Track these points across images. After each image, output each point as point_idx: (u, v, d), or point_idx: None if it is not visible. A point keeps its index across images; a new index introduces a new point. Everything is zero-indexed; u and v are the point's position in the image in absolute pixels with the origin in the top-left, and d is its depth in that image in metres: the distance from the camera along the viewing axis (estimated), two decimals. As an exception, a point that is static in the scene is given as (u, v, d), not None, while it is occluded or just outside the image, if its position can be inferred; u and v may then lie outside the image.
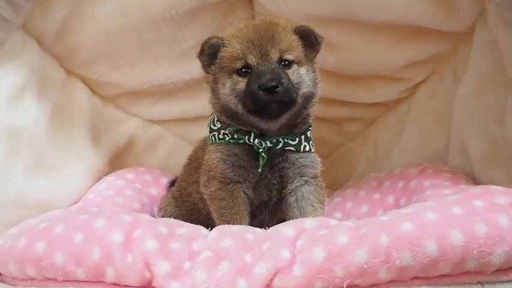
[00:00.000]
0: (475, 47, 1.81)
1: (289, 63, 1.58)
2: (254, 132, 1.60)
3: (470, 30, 1.85)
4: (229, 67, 1.58)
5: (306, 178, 1.67)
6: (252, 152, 1.61)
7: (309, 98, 1.63)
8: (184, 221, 1.81)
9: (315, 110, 1.70)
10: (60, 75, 2.09)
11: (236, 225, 1.51)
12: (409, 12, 1.87)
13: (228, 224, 1.58)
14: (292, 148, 1.63)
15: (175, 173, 2.23)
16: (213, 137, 1.68)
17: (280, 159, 1.63)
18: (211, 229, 1.46)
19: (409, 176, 1.92)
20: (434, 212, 1.31)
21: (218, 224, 1.60)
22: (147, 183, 2.23)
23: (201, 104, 2.22)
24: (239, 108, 1.58)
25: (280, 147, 1.62)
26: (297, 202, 1.66)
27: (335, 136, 2.58)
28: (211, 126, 1.70)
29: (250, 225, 1.64)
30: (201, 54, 1.63)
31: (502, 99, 1.66)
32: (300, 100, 1.59)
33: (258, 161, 1.59)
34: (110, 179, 2.14)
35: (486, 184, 1.65)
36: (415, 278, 1.27)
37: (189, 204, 1.87)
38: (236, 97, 1.57)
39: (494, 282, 1.28)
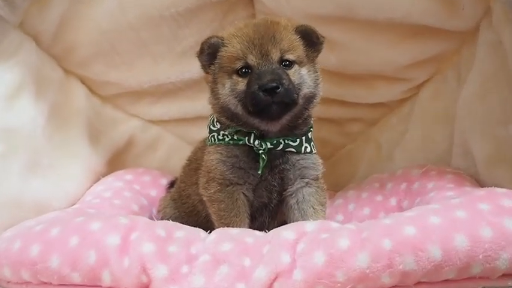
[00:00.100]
0: (480, 46, 1.79)
1: (290, 64, 1.55)
2: (254, 133, 1.58)
3: (474, 29, 1.83)
4: (229, 67, 1.55)
5: (307, 180, 1.64)
6: (252, 153, 1.59)
7: (310, 98, 1.60)
8: (183, 223, 1.79)
9: (316, 110, 1.68)
10: (57, 75, 2.07)
11: (235, 228, 1.49)
12: (411, 11, 1.85)
13: (227, 226, 1.56)
14: (293, 149, 1.61)
15: (174, 174, 2.20)
16: (212, 138, 1.65)
17: (281, 161, 1.61)
18: (210, 232, 1.44)
19: (412, 178, 1.90)
20: (438, 215, 1.28)
21: (217, 227, 1.58)
22: (146, 184, 2.20)
23: (201, 104, 2.19)
24: (239, 109, 1.55)
25: (281, 149, 1.59)
26: (297, 204, 1.64)
27: (336, 137, 2.55)
28: (211, 127, 1.68)
29: (250, 227, 1.62)
30: (201, 53, 1.61)
31: (507, 100, 1.63)
32: (301, 101, 1.56)
33: (258, 162, 1.57)
34: (108, 180, 2.11)
35: (491, 186, 1.63)
36: (419, 283, 1.24)
37: (188, 206, 1.85)
38: (236, 98, 1.54)
39: (500, 288, 1.26)
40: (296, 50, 1.56)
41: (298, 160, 1.62)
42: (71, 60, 2.11)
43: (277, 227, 1.64)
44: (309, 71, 1.59)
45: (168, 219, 1.82)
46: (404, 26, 1.92)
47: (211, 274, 1.23)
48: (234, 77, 1.55)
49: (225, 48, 1.56)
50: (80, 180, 2.02)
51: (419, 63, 2.05)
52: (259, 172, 1.57)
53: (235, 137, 1.60)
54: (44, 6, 1.89)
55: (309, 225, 1.38)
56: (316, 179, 1.66)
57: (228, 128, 1.61)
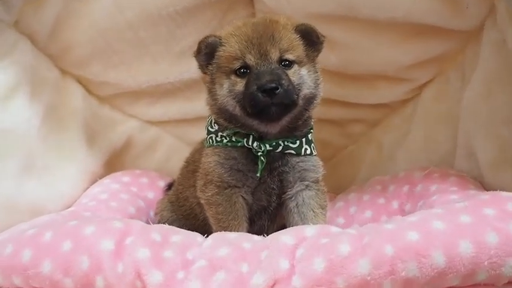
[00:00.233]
0: (484, 46, 1.76)
1: (289, 64, 1.52)
2: (253, 135, 1.55)
3: (478, 28, 1.80)
4: (227, 67, 1.52)
5: (307, 183, 1.61)
6: (250, 155, 1.56)
7: (310, 99, 1.57)
8: (181, 226, 1.78)
9: (317, 111, 1.65)
10: (54, 75, 2.05)
11: (233, 233, 1.46)
12: (413, 10, 1.82)
13: (225, 230, 1.53)
14: (293, 151, 1.58)
15: (173, 176, 2.17)
16: (210, 140, 1.62)
17: (280, 163, 1.57)
18: (207, 236, 1.41)
19: (415, 180, 1.87)
20: (442, 220, 1.25)
21: (215, 230, 1.55)
22: (143, 186, 2.18)
23: (201, 104, 2.13)
24: (237, 111, 1.52)
25: (280, 151, 1.56)
26: (297, 208, 1.61)
27: (338, 138, 2.53)
28: (209, 128, 1.65)
29: (249, 231, 1.59)
30: (198, 53, 1.58)
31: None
32: (301, 102, 1.53)
33: (257, 164, 1.54)
34: (105, 182, 2.09)
35: (495, 188, 1.60)
36: (422, 290, 1.20)
37: (185, 209, 1.82)
38: (234, 99, 1.51)
39: (506, 295, 1.22)
40: (296, 49, 1.52)
41: (298, 162, 1.59)
42: (67, 60, 2.09)
43: (276, 230, 1.61)
44: (309, 71, 1.56)
45: (165, 223, 1.82)
46: (406, 25, 1.90)
47: (207, 280, 1.20)
48: (232, 77, 1.52)
49: (223, 47, 1.53)
50: (76, 182, 2.00)
51: (422, 63, 2.02)
52: (258, 175, 1.54)
53: (233, 139, 1.56)
54: (39, 4, 1.87)
55: (308, 230, 1.34)
56: (317, 181, 1.63)
57: (226, 129, 1.58)
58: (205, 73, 1.61)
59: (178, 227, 1.76)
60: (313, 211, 1.60)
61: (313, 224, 1.54)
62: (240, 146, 1.56)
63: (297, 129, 1.59)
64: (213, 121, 1.62)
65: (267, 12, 2.07)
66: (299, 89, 1.51)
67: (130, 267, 1.22)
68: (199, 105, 2.24)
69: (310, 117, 1.63)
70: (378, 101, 2.26)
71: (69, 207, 1.90)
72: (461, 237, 1.19)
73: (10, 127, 1.74)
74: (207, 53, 1.56)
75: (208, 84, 1.60)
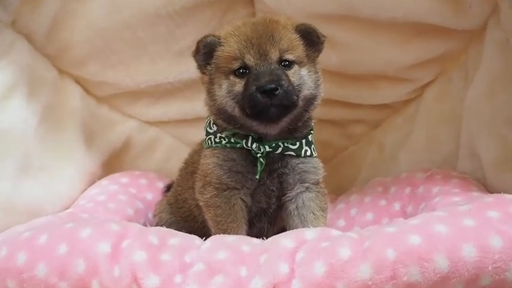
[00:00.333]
0: (487, 46, 1.74)
1: (289, 64, 1.49)
2: (252, 136, 1.52)
3: (481, 28, 1.78)
4: (226, 67, 1.50)
5: (307, 184, 1.59)
6: (249, 156, 1.53)
7: (310, 100, 1.55)
8: (180, 228, 1.77)
9: (317, 111, 1.63)
10: (51, 75, 2.03)
11: (232, 236, 1.44)
12: (415, 9, 1.80)
13: (224, 232, 1.51)
14: (293, 153, 1.55)
15: (172, 177, 2.15)
16: (209, 141, 1.60)
17: (280, 165, 1.55)
18: (206, 239, 1.39)
19: (417, 182, 1.85)
20: (445, 223, 1.22)
21: (214, 233, 1.53)
22: (142, 187, 2.16)
23: (201, 105, 2.11)
24: (236, 112, 1.50)
25: (280, 152, 1.54)
26: (297, 210, 1.58)
27: (338, 139, 2.50)
28: (208, 129, 1.63)
29: (248, 233, 1.57)
30: (197, 53, 1.56)
31: (515, 100, 1.59)
32: (301, 103, 1.51)
33: (256, 166, 1.51)
34: (103, 183, 2.07)
35: (498, 190, 1.59)
36: (424, 295, 1.18)
37: (184, 211, 1.80)
38: (233, 99, 1.49)
39: (510, 301, 1.19)
40: (296, 49, 1.50)
41: (298, 164, 1.57)
42: (65, 59, 2.07)
43: (276, 233, 1.60)
44: (309, 72, 1.54)
45: (163, 225, 1.80)
46: (408, 25, 1.88)
47: (205, 284, 1.18)
48: (231, 77, 1.50)
49: (222, 47, 1.50)
50: (74, 183, 1.99)
51: (424, 63, 2.00)
52: (257, 176, 1.52)
53: (232, 140, 1.54)
54: (36, 4, 1.86)
55: (308, 233, 1.32)
56: (317, 183, 1.61)
57: (225, 130, 1.56)
58: (203, 73, 1.59)
59: (176, 229, 1.75)
60: (314, 213, 1.57)
61: (314, 226, 1.52)
62: (239, 148, 1.54)
63: (297, 131, 1.57)
64: (212, 122, 1.60)
65: (267, 12, 2.05)
66: (299, 90, 1.49)
67: (126, 271, 1.21)
68: (199, 105, 2.20)
69: (310, 118, 1.61)
70: (380, 101, 2.24)
71: (67, 208, 1.88)
72: (464, 240, 1.17)
73: (7, 127, 1.73)
74: (205, 52, 1.54)
75: (206, 85, 1.58)
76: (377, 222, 1.83)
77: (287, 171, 1.56)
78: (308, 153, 1.58)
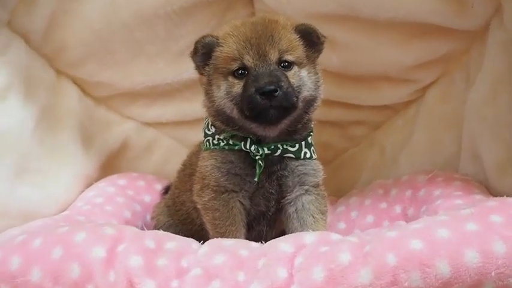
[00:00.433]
0: (490, 46, 1.73)
1: (289, 65, 1.47)
2: (251, 138, 1.50)
3: (484, 28, 1.77)
4: (225, 68, 1.48)
5: (306, 187, 1.56)
6: (248, 159, 1.51)
7: (310, 102, 1.52)
8: (178, 231, 1.76)
9: (318, 112, 1.61)
10: (48, 75, 2.02)
11: (230, 239, 1.41)
12: (416, 9, 1.79)
13: (222, 236, 1.49)
14: (292, 155, 1.53)
15: (171, 179, 2.14)
16: (207, 143, 1.58)
17: (279, 167, 1.53)
18: (203, 242, 1.37)
19: (418, 184, 1.83)
20: (447, 227, 1.20)
21: (212, 236, 1.51)
22: (140, 189, 2.14)
23: (199, 106, 2.09)
24: (235, 113, 1.48)
25: (279, 154, 1.52)
26: (296, 213, 1.56)
27: (339, 140, 2.48)
28: (206, 130, 1.61)
29: (247, 237, 1.56)
30: (195, 54, 1.53)
31: (519, 102, 1.57)
32: (300, 105, 1.49)
33: (255, 168, 1.49)
34: (100, 185, 2.05)
35: (501, 193, 1.57)
36: (425, 301, 1.16)
37: (182, 214, 1.78)
38: (232, 101, 1.46)
39: (513, 308, 1.17)
40: (295, 50, 1.48)
41: (298, 166, 1.55)
42: (62, 60, 2.06)
43: (275, 236, 1.58)
44: (309, 73, 1.51)
45: (161, 227, 1.79)
46: (409, 25, 1.87)
47: (202, 290, 1.16)
48: (230, 78, 1.48)
49: (220, 48, 1.48)
50: (70, 185, 1.97)
51: (426, 64, 1.98)
52: (256, 179, 1.50)
53: (230, 142, 1.52)
54: (33, 3, 1.85)
55: (308, 237, 1.30)
56: (317, 186, 1.59)
57: (224, 132, 1.54)
58: (202, 74, 1.57)
59: (174, 232, 1.74)
60: (313, 216, 1.55)
61: (313, 230, 1.51)
62: (237, 150, 1.52)
63: (297, 133, 1.55)
64: (210, 123, 1.59)
65: (267, 12, 2.03)
66: (299, 91, 1.47)
67: (122, 276, 1.19)
68: (197, 106, 2.17)
69: (310, 120, 1.59)
70: (380, 102, 2.23)
71: (64, 211, 1.86)
72: (467, 246, 1.15)
73: (3, 128, 1.71)
74: (204, 53, 1.52)
75: (205, 86, 1.56)
76: (377, 225, 1.82)
77: (286, 174, 1.54)
78: (308, 155, 1.56)
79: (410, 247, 1.15)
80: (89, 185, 2.06)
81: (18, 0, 1.81)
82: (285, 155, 1.52)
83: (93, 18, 1.98)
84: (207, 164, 1.54)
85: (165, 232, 1.43)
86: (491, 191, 1.66)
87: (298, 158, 1.54)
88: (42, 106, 1.91)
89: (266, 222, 1.62)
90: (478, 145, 1.74)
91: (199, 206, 1.57)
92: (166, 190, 2.07)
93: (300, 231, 1.53)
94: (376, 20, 1.85)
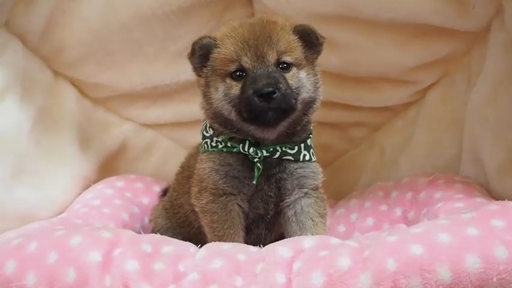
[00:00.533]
0: (491, 47, 1.71)
1: (287, 66, 1.45)
2: (249, 141, 1.49)
3: (485, 29, 1.75)
4: (222, 70, 1.46)
5: (305, 190, 1.55)
6: (246, 161, 1.50)
7: (309, 104, 1.51)
8: (176, 234, 1.75)
9: (317, 114, 1.59)
10: (46, 76, 2.00)
11: (227, 243, 1.40)
12: (417, 10, 1.78)
13: (220, 239, 1.48)
14: (291, 157, 1.51)
15: (169, 181, 2.12)
16: (205, 145, 1.57)
17: (278, 170, 1.51)
18: (201, 246, 1.35)
19: (419, 187, 1.81)
20: (448, 232, 1.18)
21: (210, 239, 1.50)
22: (138, 191, 2.12)
23: (198, 107, 2.11)
24: (233, 115, 1.46)
25: (278, 157, 1.50)
26: (295, 216, 1.55)
27: (339, 142, 2.47)
28: (204, 133, 1.59)
29: (245, 240, 1.54)
30: (192, 55, 1.52)
31: (520, 104, 1.55)
32: (299, 106, 1.47)
33: (253, 171, 1.48)
34: (98, 187, 2.03)
35: (502, 196, 1.56)
36: (426, 307, 1.14)
37: (180, 216, 1.76)
38: (229, 103, 1.45)
39: (515, 314, 1.16)
40: (294, 51, 1.46)
41: (296, 169, 1.53)
42: (60, 60, 2.04)
43: (274, 239, 1.57)
44: (308, 74, 1.50)
45: (159, 230, 1.78)
46: (410, 26, 1.85)
47: (199, 295, 1.15)
48: (228, 80, 1.46)
49: (218, 49, 1.47)
50: (68, 187, 1.95)
51: (427, 65, 1.97)
52: (255, 182, 1.48)
53: (229, 144, 1.51)
54: (30, 4, 1.83)
55: (306, 241, 1.29)
56: (316, 188, 1.57)
57: (222, 134, 1.52)
58: (199, 76, 1.55)
59: (172, 234, 1.73)
60: (312, 220, 1.54)
61: (312, 233, 1.49)
62: (235, 152, 1.50)
63: (296, 135, 1.53)
64: (208, 126, 1.57)
65: (266, 12, 2.01)
66: (297, 93, 1.45)
67: (118, 281, 1.17)
68: (196, 107, 2.15)
69: (309, 122, 1.57)
70: (381, 104, 2.21)
71: (61, 213, 1.85)
72: (468, 251, 1.13)
73: (-1, 130, 1.70)
74: (201, 54, 1.51)
75: (202, 88, 1.54)
76: (378, 228, 1.80)
77: (285, 177, 1.52)
78: (307, 157, 1.55)
79: (411, 252, 1.14)
80: (86, 186, 2.04)
81: (16, 1, 1.79)
82: (284, 158, 1.51)
83: (92, 18, 1.97)
84: (205, 166, 1.52)
85: (162, 236, 1.41)
86: (493, 194, 1.65)
87: (297, 160, 1.52)
88: (39, 107, 1.89)
89: (265, 226, 1.60)
90: (479, 147, 1.72)
91: (197, 209, 1.55)
92: (165, 192, 2.05)
93: (299, 234, 1.51)
94: (377, 21, 1.84)
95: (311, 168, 1.56)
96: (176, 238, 1.64)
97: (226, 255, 1.26)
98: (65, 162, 1.97)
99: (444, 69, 2.00)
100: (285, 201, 1.55)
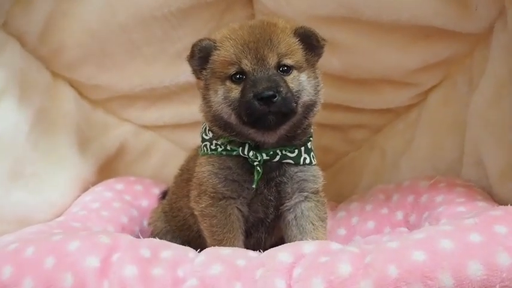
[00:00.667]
0: (493, 49, 1.70)
1: (288, 69, 1.43)
2: (249, 144, 1.47)
3: (487, 31, 1.74)
4: (222, 73, 1.44)
5: (305, 194, 1.53)
6: (246, 165, 1.48)
7: (310, 107, 1.49)
8: (175, 237, 1.73)
9: (318, 116, 1.57)
10: (44, 78, 1.99)
11: (227, 248, 1.38)
12: (420, 12, 1.76)
13: (220, 243, 1.46)
14: (291, 161, 1.50)
15: (169, 183, 2.10)
16: (205, 148, 1.55)
17: (278, 173, 1.50)
18: (200, 250, 1.34)
19: (420, 190, 1.80)
20: (450, 238, 1.17)
21: (209, 243, 1.48)
22: (137, 194, 2.11)
23: (197, 108, 2.09)
24: (232, 119, 1.44)
25: (278, 160, 1.48)
26: (296, 220, 1.53)
27: (339, 144, 2.45)
28: (203, 135, 1.57)
29: (245, 244, 1.53)
30: (191, 58, 1.50)
31: (523, 106, 1.54)
32: (300, 110, 1.45)
33: (253, 174, 1.46)
34: (97, 190, 2.02)
35: (504, 199, 1.55)
36: (428, 314, 1.12)
37: (179, 220, 1.74)
38: (229, 106, 1.43)
39: (518, 322, 1.14)
40: (295, 54, 1.44)
41: (297, 172, 1.51)
42: (58, 62, 2.03)
43: (274, 243, 1.56)
44: (308, 77, 1.48)
45: (158, 234, 1.77)
46: (412, 28, 1.83)
47: (198, 301, 1.14)
48: (227, 83, 1.44)
49: (218, 52, 1.45)
50: (66, 189, 1.94)
51: (428, 67, 1.95)
52: (254, 185, 1.46)
53: (228, 147, 1.49)
54: (28, 5, 1.82)
55: (307, 247, 1.27)
56: (316, 192, 1.55)
57: (221, 137, 1.50)
58: (199, 78, 1.54)
59: (172, 238, 1.72)
60: (313, 224, 1.52)
61: (313, 237, 1.48)
62: (235, 155, 1.48)
63: (296, 138, 1.51)
64: (208, 128, 1.55)
65: (266, 14, 2.00)
66: (298, 97, 1.43)
67: (116, 286, 1.16)
68: (195, 109, 2.13)
69: (309, 125, 1.55)
70: (382, 106, 2.19)
71: (59, 216, 1.83)
72: (470, 257, 1.12)
73: (-3, 132, 1.69)
74: (201, 57, 1.49)
75: (202, 90, 1.53)
76: (379, 232, 1.79)
77: (285, 180, 1.51)
78: (307, 161, 1.53)
79: (413, 258, 1.13)
80: (85, 189, 2.02)
81: (14, 2, 1.78)
82: (284, 161, 1.49)
83: (90, 20, 1.95)
84: (204, 170, 1.51)
85: (161, 240, 1.40)
86: (495, 198, 1.64)
87: (297, 163, 1.51)
88: (37, 109, 1.88)
89: (265, 229, 1.58)
90: (481, 150, 1.71)
91: (196, 213, 1.54)
92: (164, 195, 2.04)
93: (299, 238, 1.50)
94: (379, 23, 1.82)
95: (311, 172, 1.54)
96: (175, 241, 1.64)
97: (226, 261, 1.25)
98: (64, 165, 1.96)
99: (446, 71, 1.98)
100: (285, 204, 1.53)
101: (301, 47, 1.47)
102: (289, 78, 1.43)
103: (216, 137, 1.52)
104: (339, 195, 2.24)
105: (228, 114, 1.44)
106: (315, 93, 1.49)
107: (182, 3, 2.00)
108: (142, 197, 2.12)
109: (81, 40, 1.99)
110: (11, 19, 1.81)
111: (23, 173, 1.76)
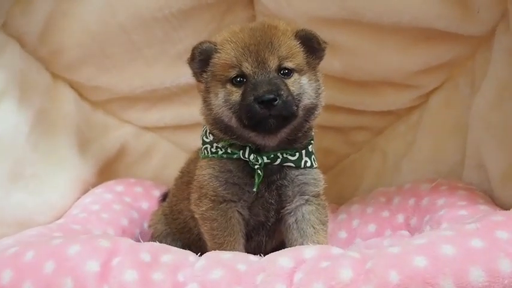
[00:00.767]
0: (495, 52, 1.69)
1: (289, 72, 1.43)
2: (250, 147, 1.46)
3: (490, 34, 1.74)
4: (223, 75, 1.43)
5: (306, 197, 1.52)
6: (247, 168, 1.47)
7: (310, 110, 1.48)
8: (175, 240, 1.73)
9: (319, 118, 1.56)
10: (44, 79, 1.98)
11: (227, 252, 1.37)
12: (421, 14, 1.75)
13: (221, 246, 1.46)
14: (292, 164, 1.49)
15: (169, 185, 2.09)
16: (205, 150, 1.54)
17: (279, 176, 1.49)
18: (201, 254, 1.33)
19: (421, 193, 1.79)
20: (452, 244, 1.16)
21: (210, 247, 1.48)
22: (137, 196, 2.10)
23: (198, 110, 2.09)
24: (233, 122, 1.43)
25: (279, 163, 1.47)
26: (296, 223, 1.52)
27: (340, 146, 2.44)
28: (204, 138, 1.56)
29: (246, 247, 1.52)
30: (192, 60, 1.49)
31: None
32: (301, 113, 1.44)
33: (254, 178, 1.45)
34: (97, 192, 2.01)
35: (505, 202, 1.55)
36: (429, 321, 1.12)
37: (179, 222, 1.74)
38: (230, 109, 1.42)
39: (520, 329, 1.13)
40: (296, 57, 1.43)
41: (298, 175, 1.51)
42: (58, 63, 2.02)
43: (275, 246, 1.56)
44: (309, 80, 1.47)
45: (158, 236, 1.77)
46: (413, 30, 1.83)
47: (198, 306, 1.13)
48: (228, 86, 1.43)
49: (218, 54, 1.44)
50: (66, 191, 1.93)
51: (430, 69, 1.94)
52: (255, 189, 1.45)
53: (229, 151, 1.48)
54: (28, 5, 1.81)
55: (308, 251, 1.26)
56: (317, 195, 1.54)
57: (222, 140, 1.49)
58: (199, 81, 1.53)
59: (172, 241, 1.72)
60: (314, 227, 1.51)
61: (313, 241, 1.47)
62: (236, 158, 1.47)
63: (297, 141, 1.50)
64: (208, 131, 1.54)
65: (267, 15, 1.99)
66: (299, 100, 1.42)
67: (116, 291, 1.15)
68: (196, 110, 2.13)
69: (310, 128, 1.54)
70: (383, 108, 2.18)
71: (60, 217, 1.83)
72: (472, 263, 1.11)
73: (-3, 133, 1.68)
74: (201, 59, 1.48)
75: (202, 93, 1.52)
76: (379, 235, 1.79)
77: (286, 183, 1.50)
78: (308, 164, 1.52)
79: (414, 264, 1.12)
80: (85, 190, 2.02)
81: (14, 2, 1.77)
82: (285, 164, 1.48)
83: (91, 20, 1.94)
84: (204, 173, 1.50)
85: (161, 244, 1.38)
86: (496, 201, 1.63)
87: (298, 167, 1.50)
88: (37, 110, 1.87)
89: (265, 233, 1.58)
90: (483, 153, 1.70)
91: (196, 216, 1.53)
92: (164, 197, 2.03)
93: (300, 242, 1.49)
94: (380, 25, 1.81)
95: (312, 175, 1.53)
96: (176, 244, 1.64)
97: (226, 265, 1.24)
98: (64, 166, 1.95)
99: (448, 74, 1.97)
100: (285, 208, 1.52)
101: (302, 49, 1.46)
102: (290, 82, 1.42)
103: (216, 140, 1.51)
104: (339, 198, 2.24)
105: (229, 118, 1.44)
106: (316, 96, 1.48)
107: (183, 4, 1.99)
108: (143, 199, 2.11)
109: (81, 41, 1.98)
110: (10, 19, 1.80)
111: (23, 174, 1.75)
